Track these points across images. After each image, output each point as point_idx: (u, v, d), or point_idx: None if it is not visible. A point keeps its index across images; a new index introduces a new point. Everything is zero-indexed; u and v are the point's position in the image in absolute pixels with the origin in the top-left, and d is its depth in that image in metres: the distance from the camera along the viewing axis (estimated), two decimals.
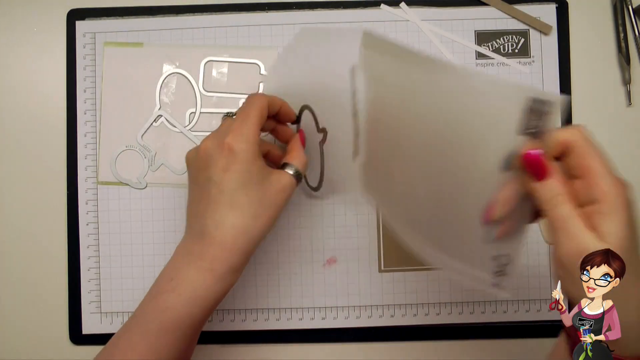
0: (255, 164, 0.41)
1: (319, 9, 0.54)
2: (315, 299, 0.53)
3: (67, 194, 0.53)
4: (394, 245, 0.53)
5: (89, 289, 0.53)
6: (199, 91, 0.53)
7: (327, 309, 0.53)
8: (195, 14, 0.54)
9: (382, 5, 0.54)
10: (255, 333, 0.53)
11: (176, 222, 0.53)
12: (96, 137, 0.53)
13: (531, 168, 0.35)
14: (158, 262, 0.53)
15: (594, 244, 0.34)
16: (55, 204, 0.53)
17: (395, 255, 0.53)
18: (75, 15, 0.54)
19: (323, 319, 0.53)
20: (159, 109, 0.53)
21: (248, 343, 0.53)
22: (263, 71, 0.53)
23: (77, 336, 0.53)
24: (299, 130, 0.48)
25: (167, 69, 0.53)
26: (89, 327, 0.53)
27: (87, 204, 0.53)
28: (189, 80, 0.53)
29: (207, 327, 0.53)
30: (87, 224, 0.53)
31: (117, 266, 0.53)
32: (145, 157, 0.53)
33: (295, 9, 0.54)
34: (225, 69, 0.53)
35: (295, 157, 0.45)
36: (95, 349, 0.53)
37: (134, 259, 0.53)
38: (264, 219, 0.41)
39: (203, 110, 0.53)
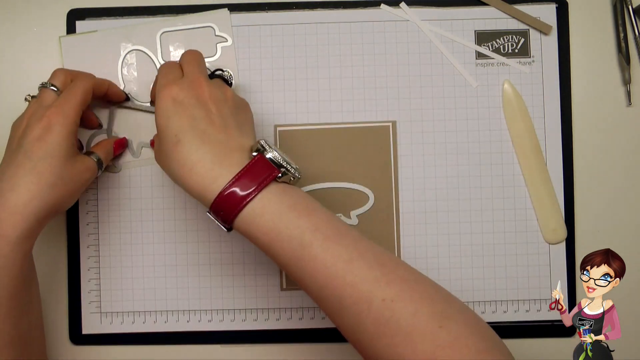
0: (67, 141, 0.44)
1: (319, 9, 0.54)
2: None
3: None
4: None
5: (89, 289, 0.53)
6: (159, 64, 0.53)
7: None
8: (195, 13, 0.54)
9: (382, 5, 0.54)
10: (256, 333, 0.53)
11: (176, 222, 0.53)
12: None
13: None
14: (158, 262, 0.53)
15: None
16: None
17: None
18: (75, 15, 0.54)
19: (323, 318, 0.53)
20: (124, 87, 0.53)
21: (248, 343, 0.53)
22: (218, 32, 0.53)
23: (77, 336, 0.53)
24: (122, 139, 0.52)
25: (125, 48, 0.53)
26: (89, 327, 0.53)
27: (87, 204, 0.53)
28: (148, 55, 0.53)
29: (208, 327, 0.53)
30: (87, 224, 0.53)
31: (117, 266, 0.53)
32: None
33: (295, 9, 0.54)
34: (181, 38, 0.54)
35: (100, 149, 0.50)
36: (96, 349, 0.53)
37: (134, 259, 0.53)
38: (60, 190, 0.43)
39: None
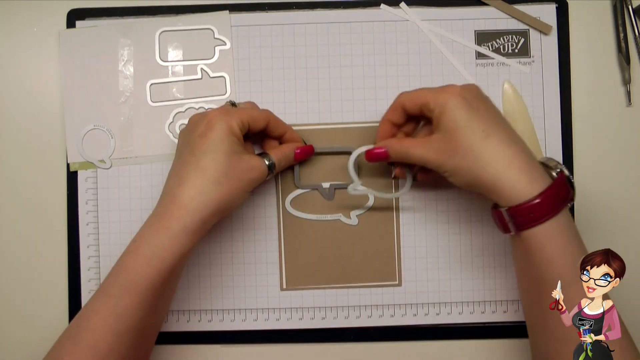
0: (229, 138, 0.44)
1: (319, 9, 0.54)
2: (315, 298, 0.53)
3: (67, 193, 0.53)
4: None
5: (89, 288, 0.53)
6: (157, 62, 0.53)
7: (327, 309, 0.53)
8: (195, 14, 0.54)
9: (382, 5, 0.54)
10: (256, 333, 0.53)
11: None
12: None
13: (374, 158, 0.48)
14: None
15: (442, 137, 0.43)
16: (55, 203, 0.53)
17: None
18: (75, 15, 0.54)
19: (323, 318, 0.53)
20: (120, 83, 0.53)
21: (248, 343, 0.53)
22: (217, 35, 0.53)
23: None
24: (307, 147, 0.51)
25: (123, 44, 0.53)
26: None
27: (87, 203, 0.53)
28: (146, 52, 0.53)
29: (208, 327, 0.53)
30: (87, 224, 0.53)
31: None
32: (112, 138, 0.53)
33: (295, 9, 0.54)
34: (180, 38, 0.54)
35: (277, 151, 0.48)
36: None
37: None
38: (225, 187, 0.43)
39: (163, 80, 0.53)
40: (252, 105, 0.49)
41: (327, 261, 0.53)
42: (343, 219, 0.53)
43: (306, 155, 0.51)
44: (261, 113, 0.48)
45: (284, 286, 0.53)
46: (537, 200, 0.41)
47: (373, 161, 0.48)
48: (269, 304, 0.53)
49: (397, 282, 0.53)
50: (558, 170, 0.43)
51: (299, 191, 0.53)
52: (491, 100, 0.45)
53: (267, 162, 0.47)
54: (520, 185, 0.41)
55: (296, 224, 0.53)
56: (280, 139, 0.50)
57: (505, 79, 0.53)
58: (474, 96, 0.44)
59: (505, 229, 0.43)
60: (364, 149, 0.48)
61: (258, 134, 0.49)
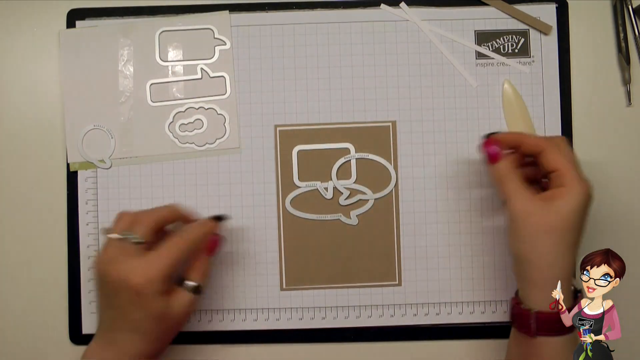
0: (159, 301, 0.43)
1: (319, 9, 0.54)
2: (315, 298, 0.53)
3: (67, 193, 0.53)
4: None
5: (89, 288, 0.53)
6: (157, 62, 0.53)
7: (327, 309, 0.53)
8: (195, 14, 0.54)
9: (382, 5, 0.54)
10: (256, 333, 0.53)
11: (176, 223, 0.53)
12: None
13: (487, 154, 0.46)
14: None
15: (541, 206, 0.43)
16: (55, 203, 0.53)
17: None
18: (75, 15, 0.54)
19: (323, 318, 0.53)
20: (120, 83, 0.53)
21: (248, 343, 0.53)
22: (217, 35, 0.53)
23: (77, 336, 0.53)
24: (213, 240, 0.48)
25: (123, 44, 0.53)
26: (89, 327, 0.53)
27: (87, 203, 0.53)
28: (146, 52, 0.53)
29: (208, 327, 0.53)
30: (87, 224, 0.53)
31: None
32: (112, 138, 0.53)
33: (295, 9, 0.54)
34: (180, 38, 0.54)
35: (196, 272, 0.47)
36: None
37: None
38: (167, 340, 0.47)
39: (163, 80, 0.53)
40: (174, 241, 0.45)
41: (327, 261, 0.53)
42: (343, 218, 0.53)
43: (218, 247, 0.49)
44: (190, 243, 0.46)
45: (284, 286, 0.53)
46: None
47: (487, 153, 0.46)
48: (269, 304, 0.53)
49: (397, 282, 0.53)
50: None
51: (298, 190, 0.53)
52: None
53: (190, 293, 0.46)
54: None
55: (296, 223, 0.53)
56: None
57: (505, 79, 0.53)
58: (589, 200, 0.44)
59: (523, 328, 0.44)
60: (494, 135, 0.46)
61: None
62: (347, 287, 0.53)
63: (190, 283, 0.46)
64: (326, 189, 0.53)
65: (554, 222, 0.43)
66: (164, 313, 0.44)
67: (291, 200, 0.53)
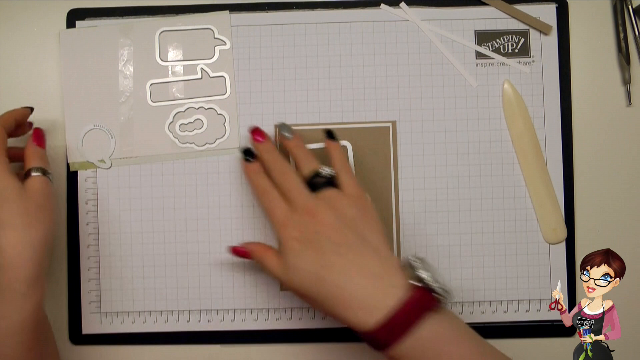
0: (5, 182, 0.43)
1: (319, 9, 0.54)
2: None
3: (67, 194, 0.53)
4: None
5: (89, 289, 0.53)
6: (157, 62, 0.53)
7: None
8: (195, 14, 0.54)
9: (382, 5, 0.54)
10: (256, 333, 0.53)
11: (176, 222, 0.53)
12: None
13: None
14: (158, 262, 0.53)
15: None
16: (55, 203, 0.53)
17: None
18: (75, 15, 0.54)
19: (323, 318, 0.53)
20: (120, 83, 0.53)
21: (248, 343, 0.53)
22: (217, 35, 0.53)
23: (77, 336, 0.53)
24: (34, 131, 0.49)
25: (123, 44, 0.53)
26: (89, 327, 0.53)
27: (87, 203, 0.53)
28: (146, 52, 0.53)
29: (207, 327, 0.53)
30: (87, 224, 0.53)
31: (117, 266, 0.53)
32: (112, 137, 0.53)
33: (295, 9, 0.54)
34: (180, 38, 0.54)
35: (33, 158, 0.46)
36: (95, 349, 0.53)
37: (134, 259, 0.53)
38: (38, 225, 0.43)
39: (163, 80, 0.53)
40: None
41: None
42: None
43: (43, 137, 0.49)
44: (2, 125, 0.46)
45: (284, 286, 0.53)
46: (391, 322, 0.39)
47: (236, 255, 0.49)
48: (268, 304, 0.53)
49: None
50: (411, 281, 0.41)
51: None
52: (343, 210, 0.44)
53: (39, 174, 0.45)
54: (364, 312, 0.40)
55: None
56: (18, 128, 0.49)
57: (505, 79, 0.53)
58: (309, 229, 0.43)
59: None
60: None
61: None
62: None
63: (36, 170, 0.45)
64: None
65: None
66: (17, 195, 0.43)
67: None
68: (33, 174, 0.45)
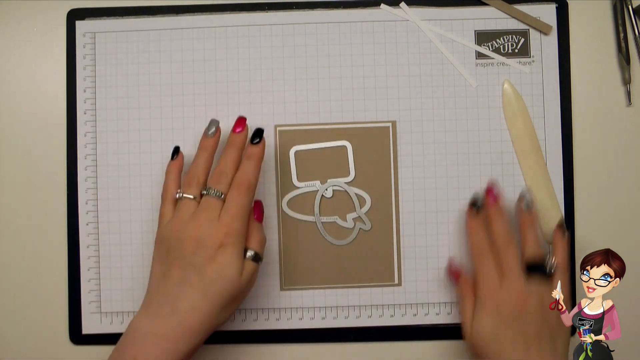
0: (239, 261, 0.44)
1: (319, 9, 0.54)
2: (315, 298, 0.53)
3: (67, 194, 0.53)
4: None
5: (89, 289, 0.53)
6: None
7: (327, 309, 0.53)
8: (196, 13, 0.54)
9: (382, 5, 0.54)
10: (256, 333, 0.53)
11: None
12: (96, 137, 0.53)
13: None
14: None
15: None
16: (55, 204, 0.53)
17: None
18: (75, 15, 0.54)
19: (323, 318, 0.53)
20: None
21: (248, 343, 0.53)
22: None
23: (77, 336, 0.53)
24: (254, 205, 0.49)
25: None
26: (89, 327, 0.53)
27: (87, 204, 0.53)
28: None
29: None
30: (87, 224, 0.53)
31: (117, 266, 0.53)
32: None
33: (295, 9, 0.54)
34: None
35: (255, 241, 0.46)
36: (95, 349, 0.53)
37: (134, 259, 0.53)
38: (230, 311, 0.45)
39: None
40: (242, 185, 0.46)
41: (326, 261, 0.53)
42: (339, 221, 0.53)
43: (262, 212, 0.50)
44: (253, 185, 0.46)
45: (284, 286, 0.53)
46: None
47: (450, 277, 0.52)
48: (268, 303, 0.53)
49: (397, 282, 0.53)
50: None
51: (296, 192, 0.53)
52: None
53: (254, 262, 0.46)
54: None
55: (294, 224, 0.53)
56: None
57: (505, 79, 0.53)
58: (512, 309, 0.45)
59: None
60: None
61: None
62: (347, 287, 0.53)
63: (251, 251, 0.46)
64: (326, 189, 0.53)
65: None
66: (236, 276, 0.44)
67: (288, 200, 0.53)
68: (249, 258, 0.45)
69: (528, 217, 0.49)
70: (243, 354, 0.53)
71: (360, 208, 0.53)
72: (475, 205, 0.51)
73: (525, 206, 0.49)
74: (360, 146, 0.53)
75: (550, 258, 0.47)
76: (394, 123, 0.53)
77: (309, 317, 0.53)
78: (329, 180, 0.53)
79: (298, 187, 0.53)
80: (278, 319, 0.53)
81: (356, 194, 0.53)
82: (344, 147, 0.53)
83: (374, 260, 0.53)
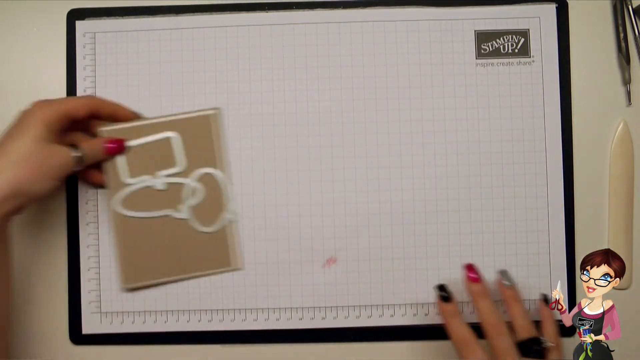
0: (41, 126, 0.45)
1: (319, 9, 0.54)
2: (315, 298, 0.53)
3: (67, 193, 0.53)
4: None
5: (89, 289, 0.53)
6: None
7: (327, 309, 0.53)
8: (196, 13, 0.54)
9: (382, 5, 0.54)
10: (256, 333, 0.53)
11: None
12: None
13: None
14: None
15: None
16: (55, 204, 0.53)
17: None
18: (75, 15, 0.54)
19: (323, 318, 0.53)
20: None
21: (248, 343, 0.53)
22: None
23: (77, 336, 0.53)
24: (114, 139, 0.50)
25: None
26: (89, 327, 0.53)
27: (87, 203, 0.53)
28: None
29: (207, 327, 0.53)
30: (87, 224, 0.53)
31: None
32: None
33: (295, 9, 0.54)
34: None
35: (88, 144, 0.48)
36: (95, 349, 0.53)
37: None
38: (23, 170, 0.44)
39: None
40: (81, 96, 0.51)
41: (165, 254, 0.53)
42: (173, 213, 0.52)
43: (117, 150, 0.51)
44: (81, 100, 0.49)
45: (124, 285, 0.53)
46: None
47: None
48: (268, 304, 0.53)
49: (233, 267, 0.53)
50: None
51: (131, 187, 0.52)
52: None
53: (74, 153, 0.47)
54: None
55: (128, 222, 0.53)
56: (115, 120, 0.51)
57: (622, 118, 0.53)
58: None
59: None
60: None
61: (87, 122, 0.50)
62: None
63: (78, 148, 0.47)
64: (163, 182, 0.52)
65: None
66: (35, 140, 0.44)
67: (121, 199, 0.53)
68: (71, 148, 0.47)
69: (511, 292, 0.48)
70: (243, 354, 0.53)
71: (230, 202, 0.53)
72: (442, 290, 0.48)
73: (506, 281, 0.48)
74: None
75: (542, 334, 0.46)
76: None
77: (309, 317, 0.53)
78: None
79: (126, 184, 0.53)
80: (278, 319, 0.53)
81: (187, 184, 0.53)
82: (168, 138, 0.53)
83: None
